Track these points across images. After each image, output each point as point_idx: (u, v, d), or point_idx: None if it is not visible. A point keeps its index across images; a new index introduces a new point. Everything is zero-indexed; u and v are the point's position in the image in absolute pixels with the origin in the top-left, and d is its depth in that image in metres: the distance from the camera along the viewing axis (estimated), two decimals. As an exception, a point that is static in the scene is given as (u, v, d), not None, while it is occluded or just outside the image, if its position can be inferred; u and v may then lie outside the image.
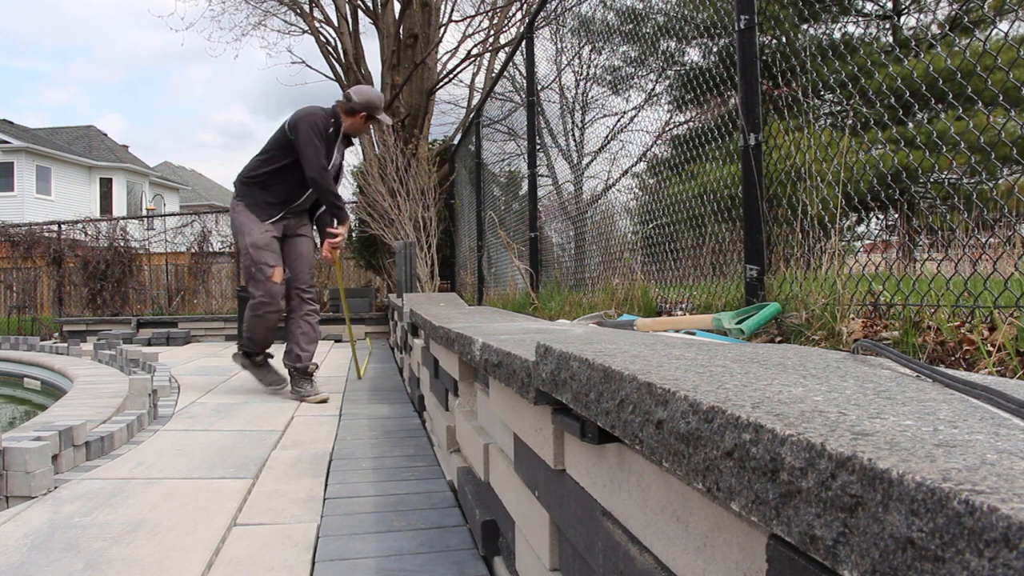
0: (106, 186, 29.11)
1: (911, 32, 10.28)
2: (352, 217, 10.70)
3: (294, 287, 4.24)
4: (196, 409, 3.82)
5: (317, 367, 4.30)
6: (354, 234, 10.36)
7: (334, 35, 12.21)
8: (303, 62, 13.40)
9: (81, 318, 10.69)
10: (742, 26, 2.21)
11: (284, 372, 4.37)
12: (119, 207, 27.98)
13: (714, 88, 3.05)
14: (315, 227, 4.56)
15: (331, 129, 4.17)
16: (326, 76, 12.54)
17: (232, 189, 4.52)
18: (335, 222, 4.37)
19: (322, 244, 4.58)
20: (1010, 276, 1.52)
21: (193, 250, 11.89)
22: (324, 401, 4.12)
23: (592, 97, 6.64)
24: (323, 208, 4.44)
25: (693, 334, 1.98)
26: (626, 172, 4.47)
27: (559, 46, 5.81)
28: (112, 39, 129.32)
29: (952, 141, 1.92)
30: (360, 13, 11.97)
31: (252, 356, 4.35)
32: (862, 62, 2.30)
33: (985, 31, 1.81)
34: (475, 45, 12.29)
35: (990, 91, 1.62)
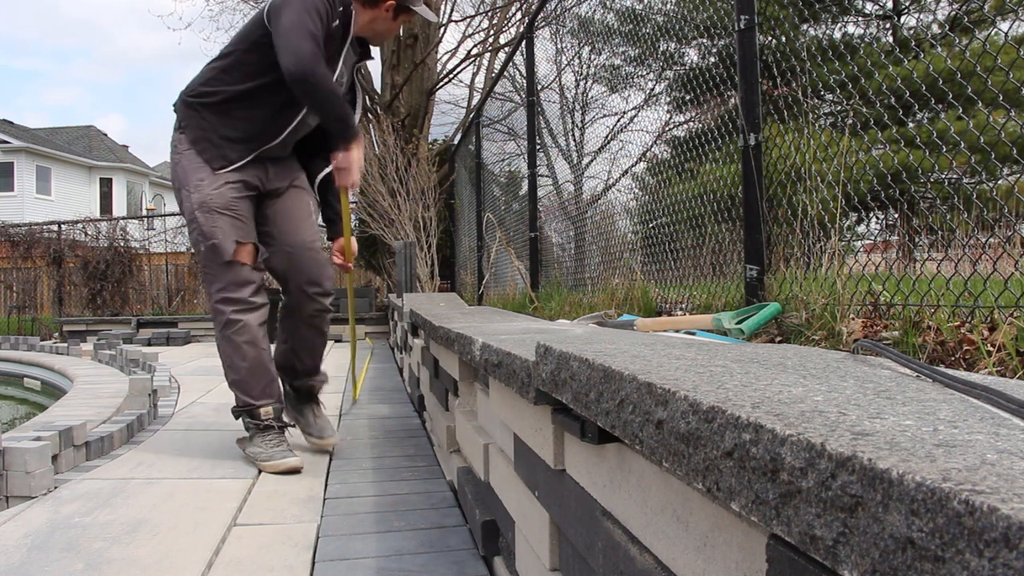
0: (106, 186, 29.13)
1: (911, 32, 10.27)
2: (354, 219, 10.69)
3: (298, 276, 2.66)
4: (196, 409, 3.82)
5: (326, 381, 2.88)
6: (354, 232, 10.35)
7: (334, 35, 12.20)
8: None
9: (81, 318, 10.70)
10: (742, 26, 2.21)
11: (316, 416, 2.84)
12: (119, 207, 27.99)
13: (714, 88, 3.06)
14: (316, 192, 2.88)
15: (336, 22, 2.49)
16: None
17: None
18: (337, 145, 2.53)
19: (318, 201, 2.86)
20: (1010, 276, 1.52)
21: (193, 250, 11.89)
22: (331, 448, 2.78)
23: (592, 97, 6.65)
24: (325, 169, 2.78)
25: (693, 334, 1.98)
26: (626, 172, 4.48)
27: (559, 46, 5.82)
28: (112, 39, 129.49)
29: (952, 141, 1.92)
30: (360, 13, 11.94)
31: (255, 412, 2.58)
32: (862, 63, 2.30)
33: (985, 31, 1.81)
34: (475, 45, 12.30)
35: (990, 91, 1.62)
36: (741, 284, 2.27)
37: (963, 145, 1.84)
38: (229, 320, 2.52)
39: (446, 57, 12.44)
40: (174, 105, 2.64)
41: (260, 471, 2.48)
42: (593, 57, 5.80)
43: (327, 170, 2.76)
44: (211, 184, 2.50)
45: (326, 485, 2.38)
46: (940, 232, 2.51)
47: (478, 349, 1.45)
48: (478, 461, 1.79)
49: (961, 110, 1.80)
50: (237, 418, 2.69)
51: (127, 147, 33.60)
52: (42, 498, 2.20)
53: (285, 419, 2.67)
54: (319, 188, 2.87)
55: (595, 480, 0.93)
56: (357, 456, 2.80)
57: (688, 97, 3.90)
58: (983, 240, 2.18)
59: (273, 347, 2.74)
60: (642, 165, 4.26)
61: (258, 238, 2.62)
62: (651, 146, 3.97)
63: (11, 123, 27.96)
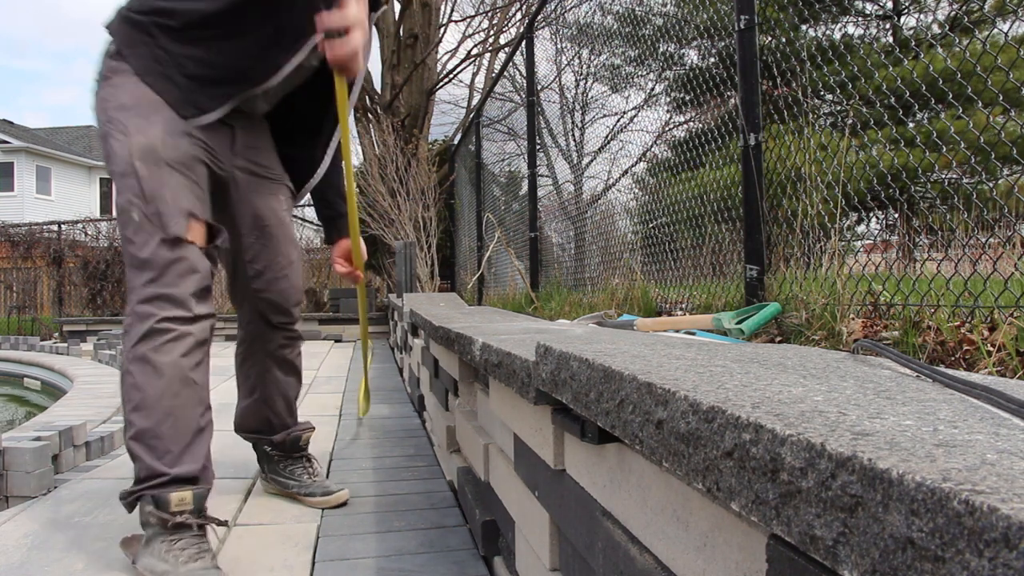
0: (106, 186, 29.12)
1: (911, 32, 10.28)
2: None
3: (262, 303, 1.99)
4: (196, 409, 3.81)
5: (313, 430, 2.21)
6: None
7: (334, 35, 12.19)
8: (303, 62, 13.37)
9: (81, 318, 10.70)
10: (742, 26, 2.21)
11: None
12: (119, 207, 27.96)
13: (713, 88, 3.06)
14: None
15: None
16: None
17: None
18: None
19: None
20: (1010, 276, 1.52)
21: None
22: (343, 504, 2.11)
23: (592, 97, 6.65)
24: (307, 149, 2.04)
25: (693, 334, 1.98)
26: (626, 172, 4.48)
27: (559, 46, 5.82)
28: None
29: (952, 141, 1.92)
30: (360, 13, 11.94)
31: (162, 497, 1.53)
32: (862, 63, 2.30)
33: (984, 31, 1.81)
34: (475, 45, 12.32)
35: (990, 91, 1.62)
36: (741, 284, 2.27)
37: (963, 145, 1.84)
38: (153, 329, 1.55)
39: (446, 57, 12.51)
40: (107, 25, 1.74)
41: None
42: (593, 58, 5.81)
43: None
44: (165, 128, 1.64)
45: (326, 485, 2.38)
46: (940, 232, 2.51)
47: (478, 349, 1.45)
48: (478, 461, 1.79)
49: (961, 110, 1.81)
50: (127, 501, 1.60)
51: (127, 147, 33.56)
52: (42, 498, 2.19)
53: (208, 512, 1.63)
54: (314, 190, 2.15)
55: (595, 480, 0.93)
56: (357, 456, 2.80)
57: (688, 97, 3.91)
58: (983, 240, 2.18)
59: (236, 406, 2.17)
60: (642, 165, 4.26)
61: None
62: (651, 146, 3.97)
63: (11, 123, 27.99)
